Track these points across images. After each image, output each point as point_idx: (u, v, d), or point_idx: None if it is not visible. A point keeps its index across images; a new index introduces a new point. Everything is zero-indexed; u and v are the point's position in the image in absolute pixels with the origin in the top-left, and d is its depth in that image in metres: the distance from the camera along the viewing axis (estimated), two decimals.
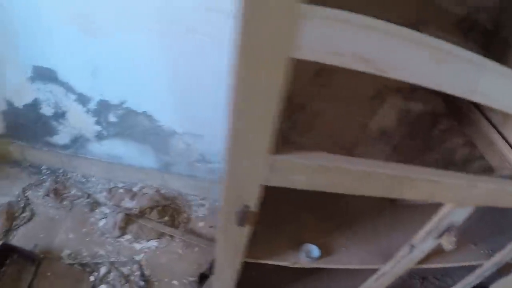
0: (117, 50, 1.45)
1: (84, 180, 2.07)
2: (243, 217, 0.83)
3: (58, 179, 2.06)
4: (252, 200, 0.80)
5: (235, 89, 0.58)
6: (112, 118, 1.71)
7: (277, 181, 0.76)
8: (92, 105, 1.69)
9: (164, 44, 1.38)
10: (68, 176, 2.08)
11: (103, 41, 1.44)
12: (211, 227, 1.85)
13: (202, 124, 1.63)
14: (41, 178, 2.06)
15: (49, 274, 1.71)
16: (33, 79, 1.66)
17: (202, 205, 1.96)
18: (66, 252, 1.79)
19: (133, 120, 1.68)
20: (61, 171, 2.09)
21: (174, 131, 1.68)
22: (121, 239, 1.83)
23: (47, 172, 2.09)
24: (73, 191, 2.01)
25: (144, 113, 1.64)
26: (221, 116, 1.53)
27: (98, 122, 1.76)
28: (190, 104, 1.55)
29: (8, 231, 1.86)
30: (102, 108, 1.68)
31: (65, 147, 1.97)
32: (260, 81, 0.57)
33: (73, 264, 1.75)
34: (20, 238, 1.83)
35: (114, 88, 1.60)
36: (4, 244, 1.74)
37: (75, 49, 1.50)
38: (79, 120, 1.78)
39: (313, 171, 0.74)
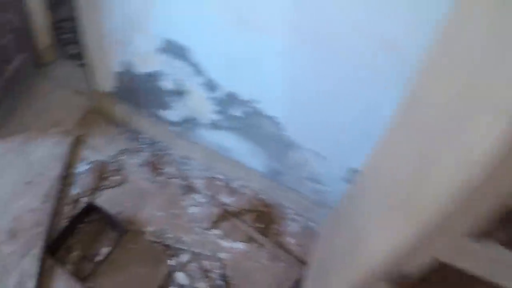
0: (263, 50, 1.50)
1: (183, 161, 2.15)
2: (398, 282, 0.86)
3: (157, 153, 2.16)
4: (417, 270, 0.83)
5: (469, 179, 0.61)
6: (236, 112, 1.78)
7: (449, 259, 0.78)
8: (218, 94, 1.76)
9: (314, 60, 1.41)
10: (168, 152, 2.18)
11: (249, 37, 1.49)
12: (300, 245, 1.89)
13: (328, 146, 1.66)
14: (139, 147, 2.17)
15: (131, 246, 1.81)
16: (162, 51, 1.76)
17: (296, 220, 1.99)
18: (150, 228, 1.88)
19: (257, 121, 1.74)
20: (161, 145, 2.20)
21: (297, 144, 1.72)
22: (209, 232, 1.90)
23: (147, 142, 2.20)
24: (170, 169, 2.11)
25: (272, 118, 1.69)
26: (352, 146, 1.57)
27: (219, 112, 1.84)
28: (324, 124, 1.58)
29: (95, 189, 1.98)
30: (229, 100, 1.75)
31: (173, 124, 2.07)
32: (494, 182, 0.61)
33: (156, 242, 1.83)
34: (105, 200, 1.94)
35: (248, 85, 1.67)
36: (90, 204, 1.85)
37: (218, 35, 1.57)
38: (199, 104, 1.87)
39: (486, 261, 0.77)
